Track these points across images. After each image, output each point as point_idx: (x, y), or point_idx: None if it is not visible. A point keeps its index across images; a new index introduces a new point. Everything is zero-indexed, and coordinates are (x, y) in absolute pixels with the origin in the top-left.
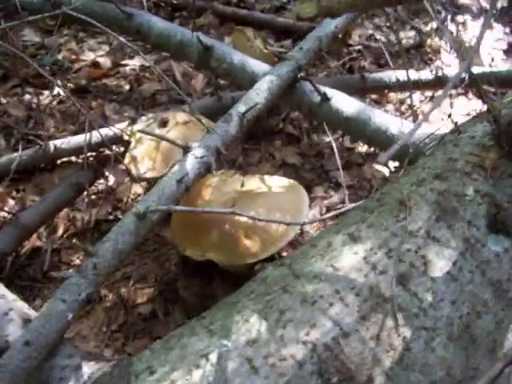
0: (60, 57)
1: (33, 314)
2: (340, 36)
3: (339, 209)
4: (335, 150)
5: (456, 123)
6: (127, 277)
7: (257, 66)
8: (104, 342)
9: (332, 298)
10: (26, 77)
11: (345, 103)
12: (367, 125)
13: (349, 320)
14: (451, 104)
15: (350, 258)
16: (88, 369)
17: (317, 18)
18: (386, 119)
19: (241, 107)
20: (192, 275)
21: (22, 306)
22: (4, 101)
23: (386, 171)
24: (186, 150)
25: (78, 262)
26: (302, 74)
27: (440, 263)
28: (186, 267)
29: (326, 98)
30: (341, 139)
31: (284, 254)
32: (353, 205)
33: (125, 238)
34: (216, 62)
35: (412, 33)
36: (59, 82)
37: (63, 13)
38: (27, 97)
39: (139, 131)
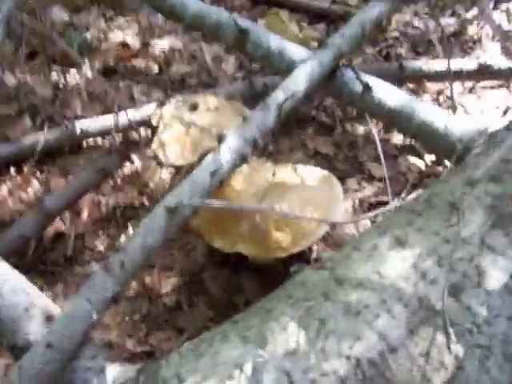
0: (88, 35)
1: (56, 310)
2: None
3: (375, 203)
4: (377, 139)
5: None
6: (151, 265)
7: (295, 51)
8: (127, 332)
9: (378, 309)
10: (53, 55)
11: (388, 94)
12: (412, 118)
13: (396, 334)
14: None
15: (397, 265)
16: (112, 371)
17: None
18: (432, 112)
19: (279, 96)
20: (219, 266)
21: (45, 301)
22: (30, 80)
23: (422, 164)
24: (222, 139)
25: (101, 248)
26: (343, 62)
27: (496, 274)
28: (212, 257)
29: (368, 88)
30: (374, 129)
31: (315, 248)
32: (395, 203)
33: (154, 235)
34: (252, 45)
35: (452, 20)
36: (87, 62)
37: None
38: (54, 75)
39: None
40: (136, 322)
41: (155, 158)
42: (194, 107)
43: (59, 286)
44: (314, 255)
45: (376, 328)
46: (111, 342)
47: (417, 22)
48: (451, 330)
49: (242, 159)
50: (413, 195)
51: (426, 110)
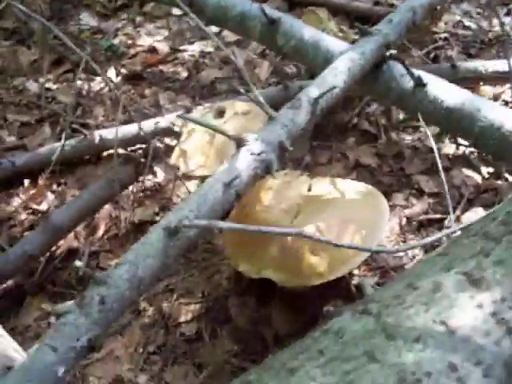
0: (116, 42)
1: (20, 357)
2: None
3: (425, 221)
4: (434, 145)
5: None
6: (170, 289)
7: (333, 43)
8: (139, 365)
9: (446, 379)
10: (78, 62)
11: (445, 91)
12: (475, 119)
13: None
14: None
15: (470, 313)
16: None
17: None
18: (500, 113)
19: (313, 91)
20: (246, 292)
21: (6, 345)
22: (54, 87)
23: (478, 177)
24: (240, 143)
25: None
26: (391, 53)
27: None
28: (239, 282)
29: (421, 84)
30: (423, 138)
31: (356, 272)
32: (461, 226)
33: (148, 262)
34: (283, 38)
35: (507, 18)
36: (112, 69)
37: None
38: (78, 83)
39: (182, 117)
40: (150, 355)
41: (176, 168)
42: (220, 113)
43: None
44: (354, 282)
45: None
46: (121, 377)
47: (468, 22)
48: None
49: (266, 167)
50: (470, 213)
51: (494, 109)
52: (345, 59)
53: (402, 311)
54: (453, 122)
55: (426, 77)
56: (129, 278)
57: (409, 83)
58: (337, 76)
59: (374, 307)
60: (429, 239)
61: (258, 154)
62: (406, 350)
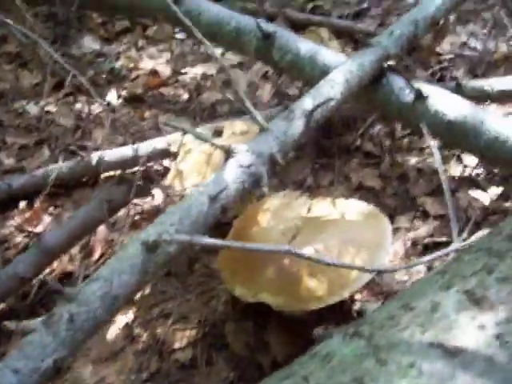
0: (118, 65)
1: None
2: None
3: (431, 245)
4: (438, 158)
5: None
6: (166, 314)
7: (330, 56)
8: None
9: None
10: (79, 85)
11: (447, 103)
12: (480, 132)
13: None
14: None
15: (471, 335)
16: None
17: None
18: (506, 125)
19: (307, 102)
20: (243, 318)
21: None
22: (54, 109)
23: (485, 199)
24: (229, 154)
25: None
26: (389, 64)
27: None
28: (236, 307)
29: (421, 97)
30: (428, 159)
31: (358, 297)
32: (463, 243)
33: (123, 278)
34: (279, 52)
35: None
36: (113, 91)
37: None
38: (78, 106)
39: (168, 124)
40: (143, 382)
41: (172, 189)
42: (218, 133)
43: None
44: (356, 307)
45: None
46: None
47: (474, 43)
48: None
49: (255, 181)
50: (478, 235)
51: (499, 122)
52: (342, 70)
53: (396, 333)
54: (456, 136)
55: (427, 89)
56: (102, 295)
57: (408, 96)
58: (333, 87)
59: (366, 329)
60: (430, 256)
61: (248, 167)
62: (399, 376)
